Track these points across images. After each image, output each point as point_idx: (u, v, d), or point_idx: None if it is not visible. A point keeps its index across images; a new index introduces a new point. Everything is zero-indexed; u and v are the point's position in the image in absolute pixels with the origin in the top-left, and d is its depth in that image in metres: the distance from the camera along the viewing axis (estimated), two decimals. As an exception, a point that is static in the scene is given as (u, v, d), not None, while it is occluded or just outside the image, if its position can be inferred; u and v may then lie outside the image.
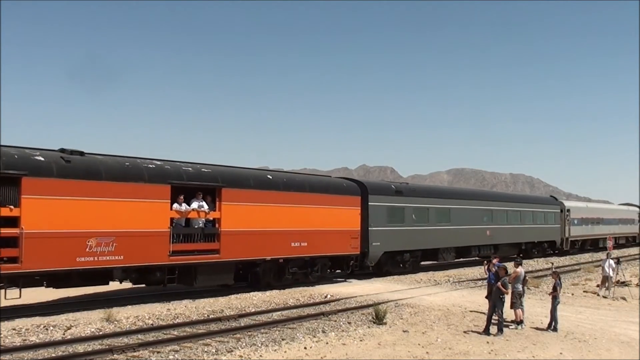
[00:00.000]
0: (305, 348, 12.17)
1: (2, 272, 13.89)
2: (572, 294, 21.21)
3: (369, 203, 24.63)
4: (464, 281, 24.75)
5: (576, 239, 43.86)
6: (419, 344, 12.70)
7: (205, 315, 15.65)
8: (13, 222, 14.12)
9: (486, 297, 15.05)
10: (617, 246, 46.42)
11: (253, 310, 16.50)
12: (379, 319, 14.77)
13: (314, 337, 13.16)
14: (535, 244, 38.60)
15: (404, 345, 12.63)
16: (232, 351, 11.73)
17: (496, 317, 14.09)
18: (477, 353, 12.12)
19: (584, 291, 22.12)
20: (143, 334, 13.15)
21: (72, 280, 15.88)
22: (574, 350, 12.60)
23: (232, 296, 18.95)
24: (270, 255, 20.07)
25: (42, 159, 14.87)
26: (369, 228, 24.44)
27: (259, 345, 12.28)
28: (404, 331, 14.00)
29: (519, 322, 14.79)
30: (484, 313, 15.31)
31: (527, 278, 16.83)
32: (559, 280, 15.43)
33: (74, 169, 15.30)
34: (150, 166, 17.19)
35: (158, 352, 11.50)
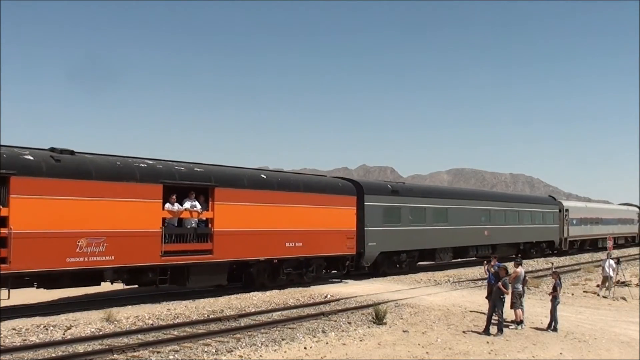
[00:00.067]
0: (305, 348, 12.17)
1: None
2: (572, 294, 21.22)
3: (365, 203, 24.48)
4: (464, 281, 24.75)
5: (575, 239, 43.75)
6: (419, 344, 12.70)
7: (205, 315, 15.65)
8: (1, 222, 13.92)
9: (486, 298, 15.05)
10: (617, 246, 46.36)
11: (253, 310, 16.50)
12: (379, 319, 14.77)
13: (314, 337, 13.16)
14: (533, 244, 38.48)
15: (404, 345, 12.64)
16: (232, 351, 11.73)
17: (496, 317, 14.09)
18: (477, 353, 12.12)
19: (584, 291, 22.12)
20: (143, 334, 13.15)
21: (62, 281, 15.69)
22: (574, 350, 12.61)
23: (232, 296, 18.94)
24: (264, 256, 19.89)
25: (32, 158, 14.68)
26: (365, 228, 24.28)
27: (259, 345, 12.28)
28: (404, 331, 14.00)
29: (519, 322, 14.79)
30: (484, 313, 15.31)
31: (527, 278, 16.83)
32: (559, 280, 15.43)
33: (64, 168, 15.11)
34: (142, 165, 16.99)
35: (158, 352, 11.50)
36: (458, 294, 20.67)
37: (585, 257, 40.53)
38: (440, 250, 29.45)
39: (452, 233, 29.82)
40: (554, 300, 14.81)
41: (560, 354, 12.23)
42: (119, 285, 18.67)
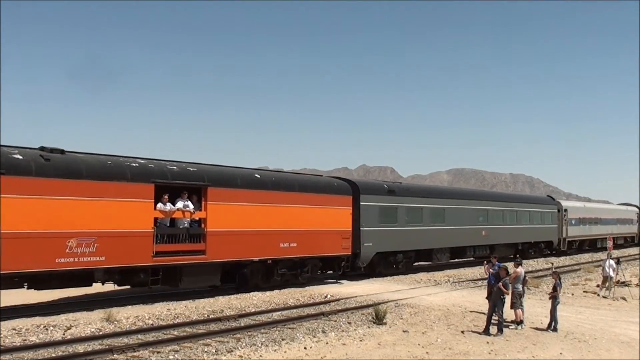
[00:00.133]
0: (305, 348, 12.17)
1: None
2: (572, 294, 21.21)
3: (361, 203, 24.32)
4: (464, 281, 24.75)
5: (574, 239, 43.62)
6: (419, 344, 12.70)
7: (205, 315, 15.64)
8: None
9: (486, 298, 15.04)
10: (616, 246, 46.28)
11: (253, 310, 16.50)
12: (379, 319, 14.77)
13: (314, 337, 13.16)
14: (532, 244, 38.30)
15: (404, 345, 12.63)
16: (232, 351, 11.73)
17: (496, 317, 14.09)
18: (477, 353, 12.12)
19: (584, 291, 22.11)
20: (143, 334, 13.15)
21: (52, 282, 15.51)
22: (574, 350, 12.60)
23: (232, 296, 18.93)
24: (258, 256, 19.73)
25: (21, 157, 14.55)
26: (361, 228, 24.11)
27: (259, 345, 12.28)
28: (404, 331, 14.00)
29: (519, 322, 14.79)
30: (484, 313, 15.31)
31: (527, 278, 16.83)
32: (559, 280, 15.43)
33: (54, 167, 14.96)
34: (133, 165, 16.85)
35: (158, 352, 11.50)
36: (458, 294, 20.66)
37: (585, 257, 40.50)
38: (438, 251, 29.26)
39: (449, 233, 29.63)
40: (554, 300, 14.80)
41: (560, 354, 12.23)
42: (118, 286, 18.66)
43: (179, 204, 17.76)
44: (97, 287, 17.97)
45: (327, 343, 12.65)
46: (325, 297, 19.30)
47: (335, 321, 14.98)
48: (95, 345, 11.94)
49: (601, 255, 37.55)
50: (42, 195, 14.61)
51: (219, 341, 12.52)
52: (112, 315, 14.61)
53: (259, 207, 19.77)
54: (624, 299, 20.16)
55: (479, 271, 26.36)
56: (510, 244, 35.79)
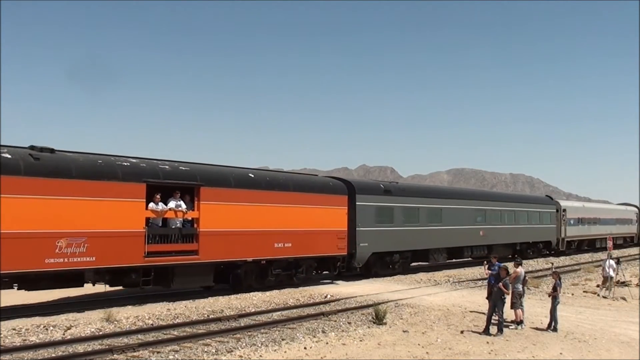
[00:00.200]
0: (305, 348, 12.16)
1: None
2: (572, 294, 21.21)
3: (357, 203, 24.14)
4: (464, 281, 24.74)
5: (572, 239, 43.46)
6: (419, 344, 12.70)
7: (205, 315, 15.64)
8: None
9: (487, 298, 15.03)
10: (615, 246, 46.20)
11: (253, 310, 16.49)
12: (379, 319, 14.76)
13: (314, 337, 13.16)
14: (530, 244, 38.12)
15: (404, 345, 12.63)
16: (232, 351, 11.73)
17: (496, 317, 14.09)
18: (477, 353, 12.11)
19: (584, 291, 22.11)
20: (143, 334, 13.15)
21: (41, 283, 15.30)
22: (574, 350, 12.60)
23: (232, 296, 18.93)
24: (251, 257, 19.54)
25: (9, 156, 14.34)
26: (357, 228, 23.92)
27: (259, 345, 12.28)
28: (404, 331, 14.00)
29: (518, 322, 14.79)
30: (484, 313, 15.30)
31: (527, 278, 16.82)
32: (559, 280, 15.43)
33: (43, 166, 14.77)
34: (125, 164, 16.67)
35: (158, 352, 11.50)
36: (458, 294, 20.66)
37: (585, 257, 40.47)
38: (434, 251, 29.03)
39: (446, 233, 29.42)
40: (554, 300, 14.80)
41: (560, 354, 12.23)
42: (110, 286, 18.36)
43: (171, 204, 17.58)
44: (97, 287, 17.94)
45: (327, 343, 12.65)
46: (325, 297, 19.29)
47: (335, 321, 14.97)
48: (95, 345, 11.94)
49: (601, 255, 37.54)
50: (31, 194, 14.40)
51: (219, 341, 12.51)
52: (112, 315, 14.61)
53: (252, 207, 19.58)
54: (624, 299, 20.16)
55: (479, 271, 26.35)
56: (508, 244, 35.60)
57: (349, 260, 23.86)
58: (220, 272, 19.36)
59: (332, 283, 23.41)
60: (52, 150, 15.56)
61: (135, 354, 11.35)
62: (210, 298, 18.50)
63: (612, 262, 21.35)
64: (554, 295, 14.96)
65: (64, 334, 13.04)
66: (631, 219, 55.11)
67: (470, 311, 16.95)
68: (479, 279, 24.33)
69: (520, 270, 15.55)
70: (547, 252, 40.73)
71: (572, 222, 43.24)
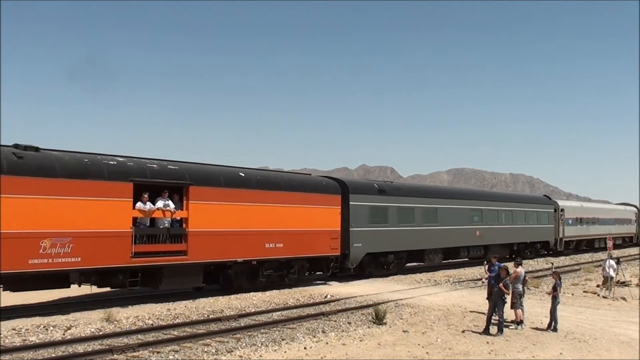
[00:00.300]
0: (305, 348, 12.16)
1: None
2: (572, 294, 21.21)
3: (350, 202, 23.82)
4: (464, 281, 24.73)
5: (571, 239, 43.23)
6: (419, 344, 12.70)
7: (205, 315, 15.64)
8: None
9: (487, 298, 15.03)
10: (614, 246, 46.09)
11: (253, 310, 16.49)
12: (379, 319, 14.76)
13: (314, 337, 13.15)
14: (527, 244, 37.80)
15: (404, 345, 12.63)
16: (232, 351, 11.72)
17: (496, 317, 14.09)
18: (477, 353, 12.11)
19: (584, 291, 22.11)
20: (143, 334, 13.14)
21: (25, 284, 14.98)
22: (574, 350, 12.60)
23: (232, 296, 18.92)
24: (242, 257, 19.26)
25: None
26: (350, 228, 23.63)
27: (259, 345, 12.28)
28: (404, 331, 13.99)
29: (519, 322, 14.78)
30: (484, 313, 15.30)
31: (527, 278, 16.82)
32: (559, 280, 15.43)
33: (27, 165, 14.48)
34: (111, 163, 16.39)
35: (158, 352, 11.49)
36: (458, 294, 20.66)
37: (585, 257, 40.43)
38: (430, 251, 28.73)
39: (442, 233, 29.08)
40: (554, 300, 14.80)
41: (560, 354, 12.23)
42: (98, 287, 17.86)
43: (159, 203, 17.29)
44: (98, 288, 17.85)
45: (327, 343, 12.65)
46: (325, 297, 19.28)
47: (335, 321, 14.97)
48: (95, 345, 11.93)
49: (601, 255, 37.52)
50: (14, 194, 14.11)
51: (219, 341, 12.51)
52: (112, 315, 14.60)
53: (243, 207, 19.31)
54: (624, 299, 20.15)
55: (479, 271, 26.33)
56: (505, 244, 35.22)
57: (343, 260, 23.60)
58: (210, 272, 19.07)
59: (325, 284, 23.17)
60: (36, 149, 15.25)
61: (135, 354, 11.35)
62: (210, 298, 18.49)
63: (613, 262, 21.35)
64: (554, 295, 14.96)
65: (64, 334, 13.04)
66: (630, 219, 54.96)
67: (470, 311, 16.95)
68: (479, 279, 24.30)
69: (520, 270, 15.55)
70: (545, 253, 40.49)
71: (570, 222, 43.02)
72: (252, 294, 19.44)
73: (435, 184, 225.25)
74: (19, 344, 11.94)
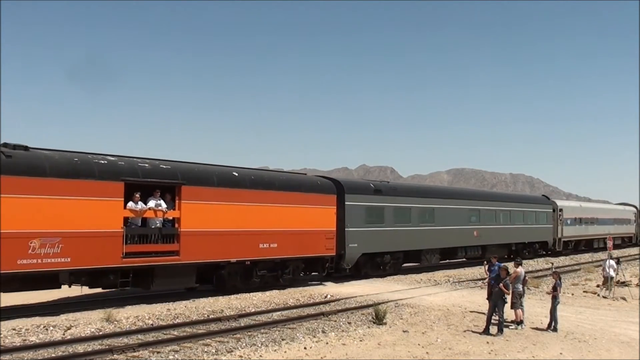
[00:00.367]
0: (305, 348, 12.16)
1: None
2: (572, 294, 21.20)
3: (346, 202, 23.62)
4: (464, 281, 24.73)
5: (569, 240, 43.11)
6: (419, 344, 12.70)
7: (205, 315, 15.63)
8: None
9: (487, 298, 15.03)
10: (613, 247, 45.93)
11: (253, 310, 16.49)
12: (378, 319, 14.76)
13: (314, 337, 13.15)
14: (526, 244, 37.60)
15: (404, 345, 12.63)
16: (232, 351, 11.72)
17: (496, 317, 14.09)
18: (477, 353, 12.11)
19: (584, 291, 22.11)
20: (143, 334, 13.14)
21: (14, 285, 14.71)
22: (574, 350, 12.60)
23: (232, 296, 18.91)
24: (235, 257, 19.08)
25: None
26: (346, 229, 23.42)
27: (259, 345, 12.28)
28: (404, 331, 13.99)
29: (519, 322, 14.78)
30: (484, 313, 15.30)
31: (527, 278, 16.82)
32: (559, 280, 15.43)
33: (15, 164, 14.30)
34: (102, 162, 16.24)
35: (158, 352, 11.49)
36: (458, 294, 20.66)
37: (585, 257, 40.40)
38: (427, 252, 28.54)
39: (439, 234, 28.88)
40: (554, 300, 14.80)
41: (560, 354, 12.23)
42: (90, 288, 17.76)
43: (151, 203, 17.11)
44: (89, 288, 17.73)
45: (327, 343, 12.65)
46: (325, 297, 19.27)
47: (335, 321, 14.97)
48: (95, 345, 11.93)
49: (601, 255, 37.50)
50: (2, 193, 13.98)
51: (219, 341, 12.51)
52: (112, 315, 14.60)
53: (236, 207, 19.13)
54: (624, 299, 20.15)
55: (479, 271, 26.34)
56: (503, 244, 35.01)
57: (338, 261, 23.44)
58: (203, 273, 18.91)
59: (320, 284, 23.02)
60: (25, 148, 15.10)
61: (135, 354, 11.35)
62: (210, 298, 18.48)
63: (613, 262, 21.35)
64: (554, 295, 14.95)
65: (64, 334, 13.04)
66: (629, 219, 54.87)
67: (470, 311, 16.94)
68: (479, 279, 24.31)
69: (521, 270, 15.55)
70: (544, 253, 40.34)
71: (569, 222, 42.85)
72: (252, 294, 19.43)
73: (435, 184, 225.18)
74: (19, 344, 11.94)
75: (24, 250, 14.22)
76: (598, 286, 22.22)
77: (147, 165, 17.38)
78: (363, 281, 24.21)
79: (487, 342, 13.05)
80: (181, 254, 17.53)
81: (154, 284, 17.30)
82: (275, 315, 15.73)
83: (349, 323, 14.73)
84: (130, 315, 15.26)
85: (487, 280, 15.33)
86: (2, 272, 13.94)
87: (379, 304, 16.39)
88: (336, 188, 23.67)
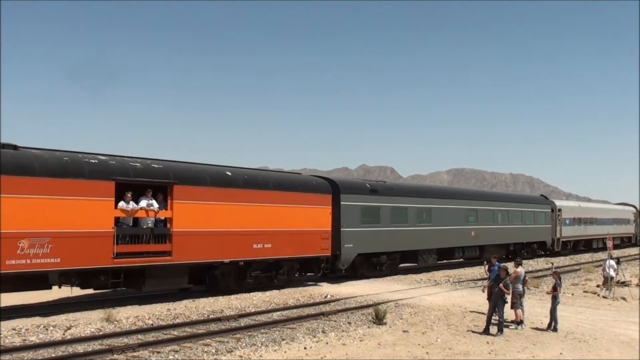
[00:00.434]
0: (305, 348, 12.16)
1: None
2: (572, 294, 21.21)
3: (341, 202, 23.43)
4: (464, 281, 24.73)
5: (568, 240, 42.97)
6: (419, 344, 12.70)
7: (205, 315, 15.64)
8: None
9: (487, 299, 15.03)
10: (612, 247, 45.85)
11: (253, 310, 16.49)
12: (379, 319, 14.76)
13: (314, 337, 13.16)
14: (524, 244, 37.46)
15: (404, 345, 12.63)
16: (232, 351, 11.72)
17: (496, 317, 14.09)
18: (477, 353, 12.11)
19: (584, 291, 22.11)
20: (143, 334, 13.14)
21: (3, 285, 14.45)
22: (574, 350, 12.60)
23: (232, 296, 18.92)
24: (228, 258, 18.89)
25: None
26: (341, 229, 23.24)
27: (259, 345, 12.28)
28: (404, 331, 14.00)
29: (519, 322, 14.79)
30: (484, 313, 15.31)
31: (527, 278, 16.82)
32: (559, 280, 15.43)
33: (4, 163, 14.18)
34: (92, 161, 16.07)
35: (158, 352, 11.49)
36: (458, 294, 20.66)
37: (585, 257, 40.38)
38: (424, 252, 28.39)
39: (436, 234, 28.70)
40: (554, 300, 14.80)
41: (560, 354, 12.23)
42: (81, 289, 17.57)
43: (143, 203, 16.93)
44: (80, 289, 17.59)
45: (327, 343, 12.65)
46: (325, 297, 19.28)
47: (335, 321, 14.97)
48: (95, 345, 11.93)
49: (601, 255, 37.49)
50: None
51: (219, 341, 12.51)
52: (112, 315, 14.60)
53: (229, 206, 18.95)
54: (624, 299, 20.16)
55: (479, 271, 26.33)
56: (501, 244, 34.82)
57: (334, 261, 23.30)
58: (196, 273, 18.75)
59: (315, 285, 22.91)
60: (15, 147, 14.97)
61: (135, 354, 11.35)
62: (210, 298, 18.49)
63: (613, 262, 21.35)
64: (554, 295, 14.95)
65: (64, 334, 13.04)
66: (629, 219, 54.75)
67: (470, 311, 16.95)
68: (479, 279, 24.31)
69: (521, 270, 15.55)
70: (542, 253, 40.20)
71: (567, 222, 42.68)
72: (252, 294, 19.43)
73: (435, 184, 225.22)
74: (19, 344, 11.94)
75: (13, 250, 14.03)
76: (598, 286, 22.23)
77: (138, 164, 17.22)
78: (362, 281, 24.19)
79: (487, 342, 13.05)
80: (173, 254, 17.35)
81: (145, 285, 17.16)
82: (275, 315, 15.73)
83: (349, 323, 14.73)
84: (130, 315, 15.27)
85: (488, 282, 15.27)
86: None
87: (379, 304, 16.39)
88: (332, 188, 23.55)
